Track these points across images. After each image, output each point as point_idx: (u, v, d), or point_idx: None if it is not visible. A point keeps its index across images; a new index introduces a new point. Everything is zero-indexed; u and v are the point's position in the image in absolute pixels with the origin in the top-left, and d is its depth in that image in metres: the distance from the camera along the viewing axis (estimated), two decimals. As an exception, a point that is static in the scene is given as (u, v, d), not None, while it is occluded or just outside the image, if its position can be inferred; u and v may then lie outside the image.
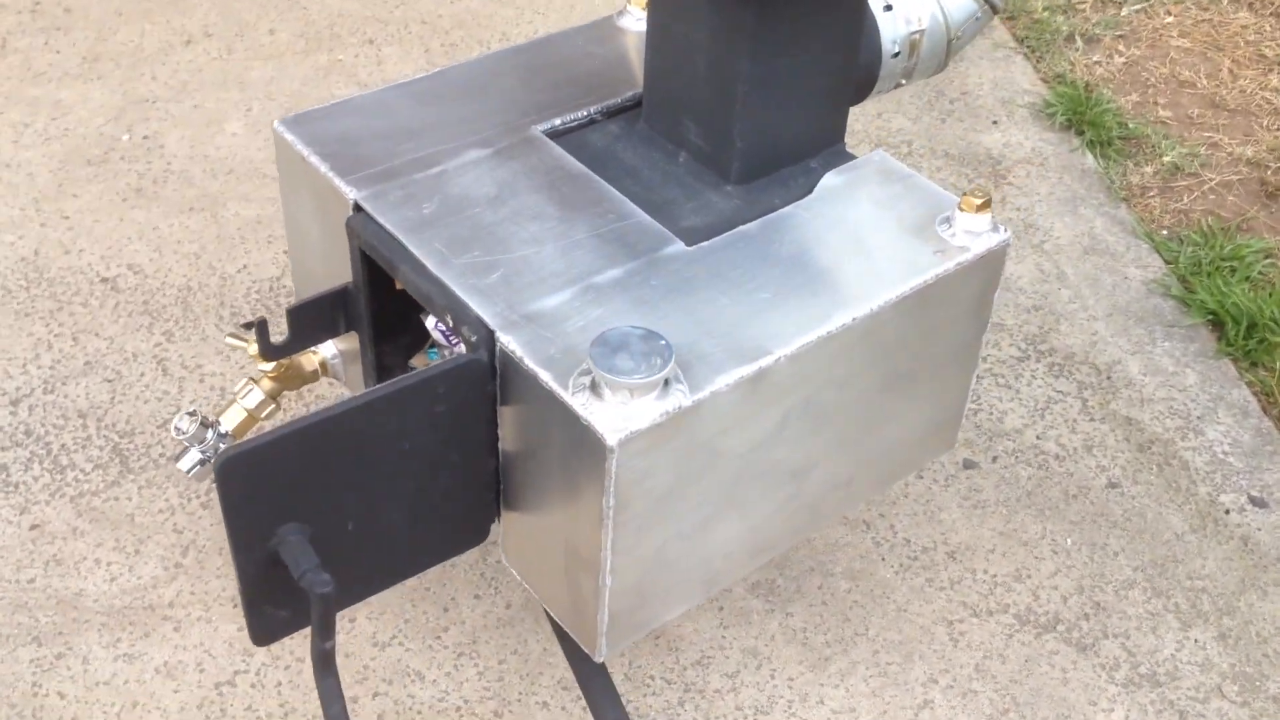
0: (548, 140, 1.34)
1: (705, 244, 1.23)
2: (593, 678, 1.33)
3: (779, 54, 1.24)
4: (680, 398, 1.07)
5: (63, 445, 1.78)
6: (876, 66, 1.37)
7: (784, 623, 1.65)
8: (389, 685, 1.54)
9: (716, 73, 1.25)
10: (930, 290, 1.22)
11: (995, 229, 1.26)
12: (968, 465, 1.87)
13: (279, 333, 1.30)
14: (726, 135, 1.28)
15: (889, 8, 1.37)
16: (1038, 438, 1.92)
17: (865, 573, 1.72)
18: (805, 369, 1.16)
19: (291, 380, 1.43)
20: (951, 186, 2.37)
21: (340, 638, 1.58)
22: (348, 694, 1.51)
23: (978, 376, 2.00)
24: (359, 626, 1.60)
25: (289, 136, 1.33)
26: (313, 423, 1.05)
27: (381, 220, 1.23)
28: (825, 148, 1.36)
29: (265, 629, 1.14)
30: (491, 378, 1.13)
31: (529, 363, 1.09)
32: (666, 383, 1.08)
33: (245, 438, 1.35)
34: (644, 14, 1.54)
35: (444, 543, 1.21)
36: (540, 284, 1.18)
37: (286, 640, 1.58)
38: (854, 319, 1.17)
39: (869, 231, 1.26)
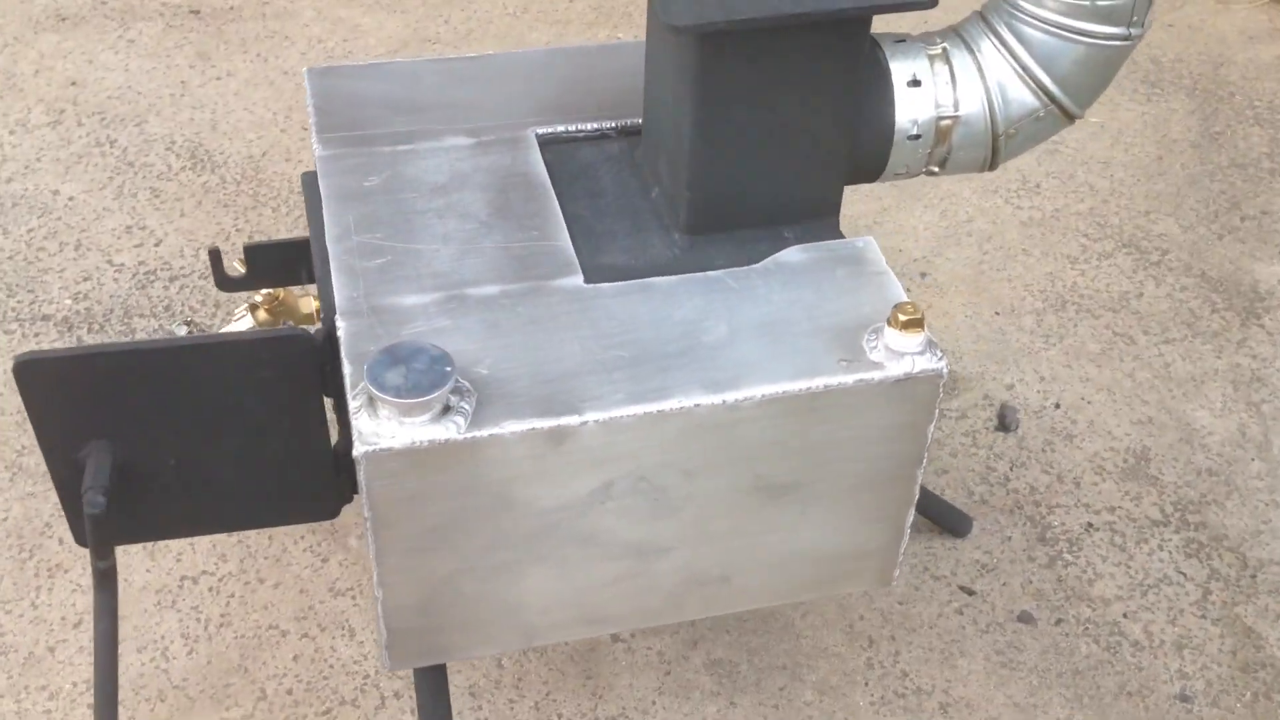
0: (534, 144, 1.29)
1: (604, 285, 1.15)
2: (427, 676, 1.29)
3: (733, 102, 1.12)
4: (450, 430, 1.01)
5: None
6: (887, 146, 1.21)
7: (723, 712, 1.53)
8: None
9: (677, 113, 1.15)
10: (820, 401, 1.08)
11: (928, 354, 1.09)
12: (1023, 619, 1.65)
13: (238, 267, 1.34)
14: (679, 181, 1.18)
15: (916, 83, 1.20)
16: (1124, 615, 1.66)
17: (837, 691, 1.56)
18: (629, 443, 1.06)
19: (284, 317, 1.47)
20: (1187, 311, 2.08)
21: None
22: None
23: (1090, 526, 1.75)
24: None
25: (307, 85, 1.36)
26: (123, 349, 1.08)
27: (321, 182, 1.24)
28: (809, 219, 1.22)
29: (83, 531, 1.19)
30: (327, 357, 1.12)
31: (343, 354, 1.07)
32: (448, 410, 1.02)
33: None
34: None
35: (282, 508, 1.21)
36: (412, 280, 1.14)
37: (260, 556, 1.65)
38: (697, 405, 1.05)
39: (787, 320, 1.12)
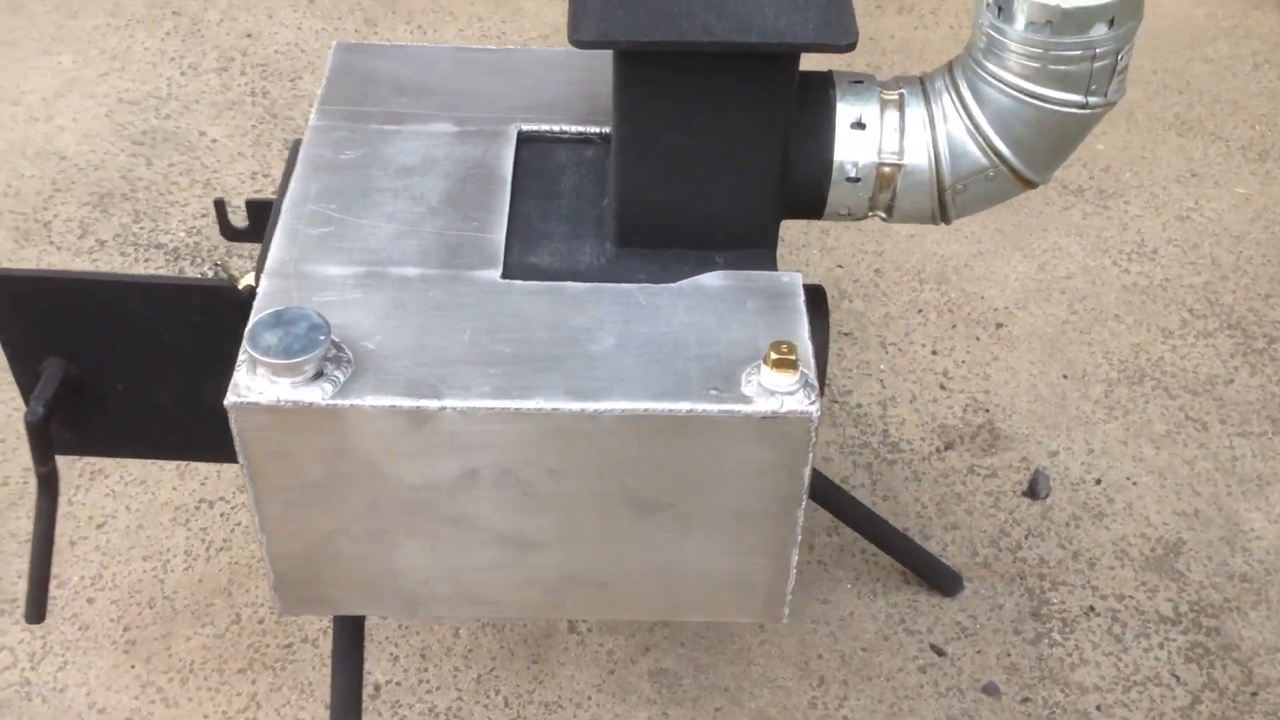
0: (512, 139, 1.34)
1: (518, 282, 1.19)
2: (344, 625, 1.36)
3: (656, 121, 1.14)
4: (315, 395, 1.07)
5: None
6: (824, 184, 1.20)
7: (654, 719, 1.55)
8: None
9: (612, 126, 1.18)
10: (685, 426, 1.09)
11: (800, 395, 1.09)
12: (988, 690, 1.60)
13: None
14: (609, 193, 1.21)
15: (860, 125, 1.18)
16: (1098, 708, 1.59)
17: (770, 723, 1.55)
18: (490, 435, 1.10)
19: (301, 274, 1.57)
20: (1277, 406, 1.95)
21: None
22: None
23: (1090, 610, 1.68)
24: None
25: (330, 58, 1.45)
26: (77, 278, 1.19)
27: (302, 150, 1.32)
28: (742, 247, 1.23)
29: (56, 440, 1.31)
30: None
31: (252, 310, 1.15)
32: (320, 376, 1.08)
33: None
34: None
35: (217, 446, 1.29)
36: (343, 253, 1.21)
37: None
38: (555, 409, 1.08)
39: (677, 342, 1.14)
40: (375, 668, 1.58)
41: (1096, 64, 1.12)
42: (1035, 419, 1.93)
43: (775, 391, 1.09)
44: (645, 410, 1.09)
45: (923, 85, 1.21)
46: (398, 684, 1.57)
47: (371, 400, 1.08)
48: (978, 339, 2.06)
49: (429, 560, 1.20)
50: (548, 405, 1.08)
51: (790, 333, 1.15)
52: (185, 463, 1.78)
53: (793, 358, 1.08)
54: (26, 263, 2.12)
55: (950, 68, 1.20)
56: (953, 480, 1.84)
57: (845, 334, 2.05)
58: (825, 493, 1.61)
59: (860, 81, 1.21)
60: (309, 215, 1.25)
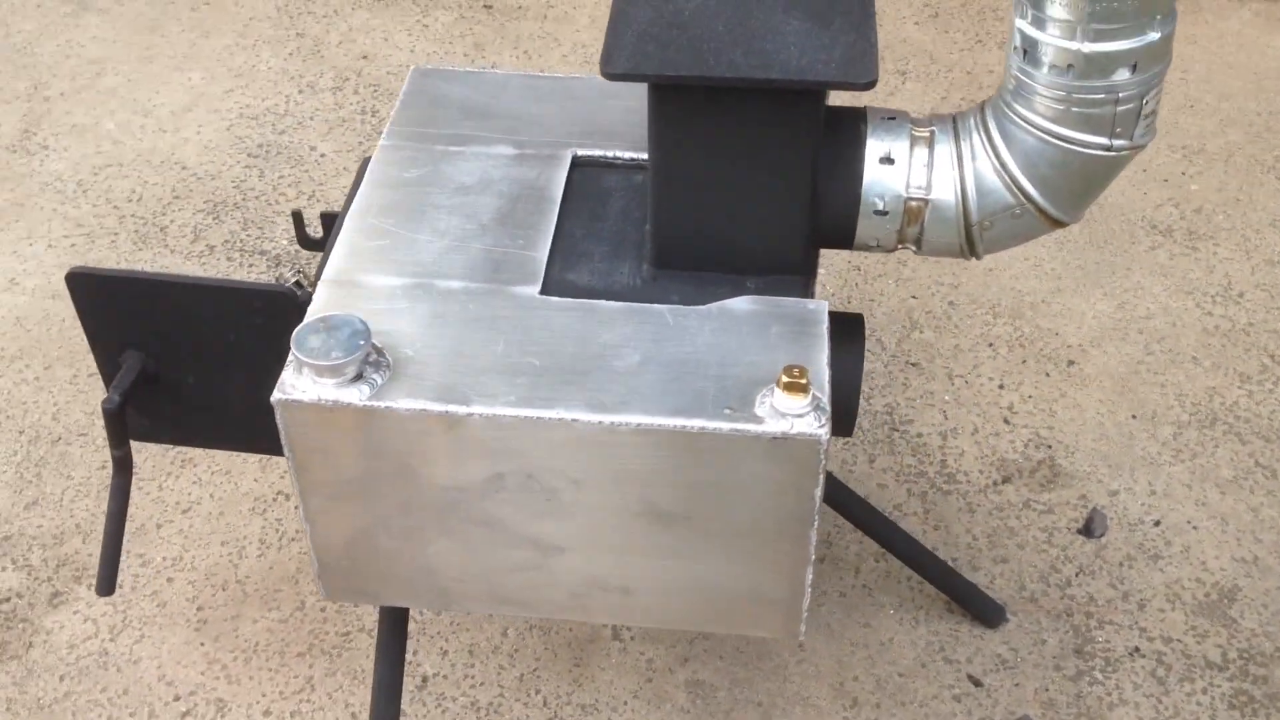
0: (566, 163, 1.41)
1: (554, 298, 1.25)
2: (387, 616, 1.44)
3: (688, 149, 1.20)
4: (353, 396, 1.15)
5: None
6: (853, 216, 1.24)
7: (685, 729, 1.60)
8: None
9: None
10: (699, 443, 1.14)
11: (810, 418, 1.13)
12: (1020, 723, 1.61)
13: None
14: (648, 216, 1.27)
15: (889, 160, 1.22)
16: (1134, 748, 1.58)
17: (799, 740, 1.58)
18: (515, 442, 1.16)
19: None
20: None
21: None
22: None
23: (1135, 651, 1.67)
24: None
25: (406, 82, 1.54)
26: (151, 278, 1.29)
27: (370, 167, 1.41)
28: (774, 273, 1.27)
29: (134, 427, 1.42)
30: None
31: (306, 315, 1.24)
32: (359, 378, 1.16)
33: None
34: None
35: (279, 440, 1.39)
36: (397, 264, 1.29)
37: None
38: (575, 419, 1.14)
39: (699, 361, 1.19)
40: (425, 660, 1.66)
41: (1120, 108, 1.14)
42: (1098, 457, 1.93)
43: (786, 414, 1.13)
44: (660, 425, 1.14)
45: (954, 123, 1.24)
46: (444, 677, 1.64)
47: (405, 403, 1.16)
48: (1047, 375, 2.06)
49: (460, 558, 1.27)
50: (568, 416, 1.15)
51: (809, 358, 1.19)
52: (266, 456, 1.88)
53: (804, 381, 1.12)
54: (144, 263, 2.26)
55: (982, 107, 1.23)
56: (1007, 514, 1.85)
57: (913, 364, 2.08)
58: (866, 518, 1.64)
59: (893, 118, 1.25)
60: (368, 228, 1.34)
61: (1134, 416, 2.00)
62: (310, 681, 1.64)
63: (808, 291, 1.28)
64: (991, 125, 1.21)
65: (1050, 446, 1.95)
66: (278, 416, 1.18)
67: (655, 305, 1.25)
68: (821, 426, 1.13)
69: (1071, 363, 2.09)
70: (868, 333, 2.10)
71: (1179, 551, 1.80)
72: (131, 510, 1.84)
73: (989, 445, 1.95)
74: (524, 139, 1.45)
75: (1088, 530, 1.83)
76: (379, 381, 1.17)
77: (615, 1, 1.22)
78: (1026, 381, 2.05)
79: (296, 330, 1.17)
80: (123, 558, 1.75)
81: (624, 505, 1.21)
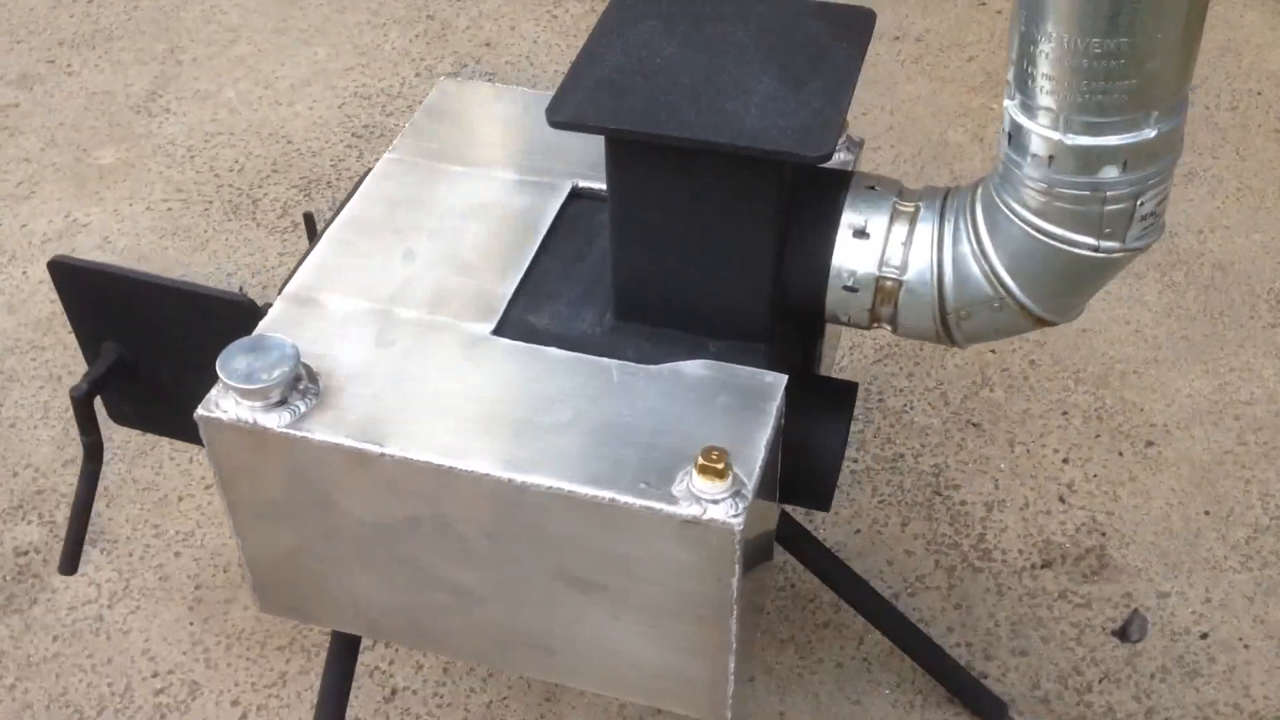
0: (564, 193, 1.36)
1: (504, 340, 1.21)
2: (339, 639, 1.43)
3: (645, 204, 1.13)
4: (271, 421, 1.13)
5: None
6: (821, 289, 1.15)
7: (642, 785, 1.54)
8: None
9: (615, 201, 1.18)
10: (611, 515, 1.08)
11: (726, 504, 1.05)
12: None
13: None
14: (609, 265, 1.21)
15: (863, 234, 1.13)
16: None
17: (757, 816, 1.51)
18: (426, 488, 1.12)
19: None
20: None
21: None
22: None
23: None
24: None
25: (432, 91, 1.51)
26: (123, 274, 1.30)
27: (366, 180, 1.39)
28: (737, 338, 1.19)
29: (117, 413, 1.44)
30: (260, 327, 1.27)
31: (256, 330, 1.22)
32: (283, 403, 1.14)
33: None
34: (826, 144, 1.41)
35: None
36: (361, 287, 1.26)
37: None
38: (485, 475, 1.10)
39: (631, 427, 1.12)
40: (398, 672, 1.64)
41: (1109, 208, 1.02)
42: (1155, 553, 1.78)
43: (700, 497, 1.06)
44: (570, 492, 1.08)
45: (944, 200, 1.14)
46: (414, 692, 1.63)
47: (321, 435, 1.13)
48: (1120, 454, 1.91)
49: (383, 592, 1.24)
50: (479, 470, 1.10)
51: (747, 436, 1.11)
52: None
53: (720, 466, 1.05)
54: (229, 234, 2.31)
55: (975, 187, 1.13)
56: (1038, 602, 1.72)
57: (974, 424, 1.95)
58: (852, 593, 1.54)
59: (874, 188, 1.16)
60: (344, 244, 1.31)
61: (1206, 512, 1.83)
62: (284, 676, 1.64)
63: (772, 361, 1.20)
64: (979, 208, 1.10)
65: (1104, 534, 1.80)
66: (201, 433, 1.17)
67: (604, 360, 1.19)
68: (736, 515, 1.06)
69: (1150, 443, 1.93)
70: (932, 384, 1.99)
71: (1222, 671, 1.64)
72: (158, 480, 1.89)
73: (1036, 524, 1.81)
74: (529, 164, 1.40)
75: (1124, 633, 1.68)
76: (301, 409, 1.15)
77: (589, 39, 1.15)
78: (1095, 458, 1.90)
79: (225, 349, 1.15)
80: (139, 525, 1.79)
81: (539, 566, 1.16)
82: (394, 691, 1.63)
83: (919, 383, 2.02)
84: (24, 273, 2.25)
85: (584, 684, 1.27)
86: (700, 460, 1.06)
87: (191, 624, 1.70)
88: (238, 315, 1.27)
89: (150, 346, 1.35)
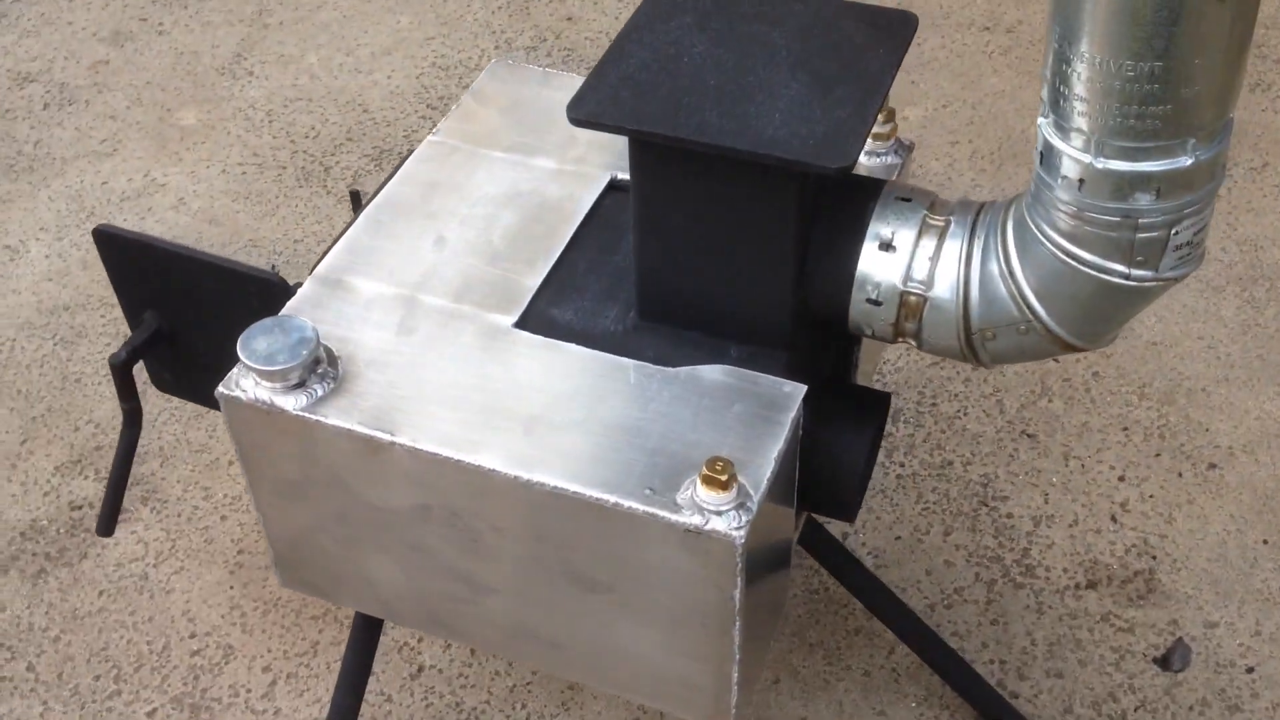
0: (599, 183, 1.34)
1: (524, 334, 1.20)
2: (361, 621, 1.44)
3: (668, 204, 1.11)
4: (288, 403, 1.14)
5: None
6: (844, 301, 1.12)
7: (656, 780, 1.54)
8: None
9: (639, 200, 1.17)
10: (616, 518, 1.07)
11: (729, 518, 1.04)
12: None
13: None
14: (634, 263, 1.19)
15: (889, 247, 1.09)
16: None
17: (769, 821, 1.50)
18: (437, 479, 1.12)
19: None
20: None
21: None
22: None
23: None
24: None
25: (482, 75, 1.50)
26: (163, 247, 1.32)
27: (407, 162, 1.39)
28: (760, 345, 1.17)
29: (158, 380, 1.46)
30: (291, 304, 1.28)
31: (283, 309, 1.23)
32: (301, 385, 1.15)
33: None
34: (873, 149, 1.38)
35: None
36: (390, 271, 1.27)
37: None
38: (493, 470, 1.09)
39: (642, 431, 1.11)
40: (426, 651, 1.66)
41: (1140, 235, 0.98)
42: (1207, 581, 1.72)
43: (704, 507, 1.05)
44: (575, 493, 1.08)
45: (976, 215, 1.11)
46: (439, 671, 1.64)
47: (335, 420, 1.14)
48: (1180, 475, 1.85)
49: (396, 576, 1.25)
50: (486, 465, 1.10)
51: (758, 447, 1.10)
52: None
53: (723, 477, 1.03)
54: (299, 201, 2.34)
55: (1010, 204, 1.09)
56: (1079, 623, 1.67)
57: (1029, 435, 1.90)
58: (884, 608, 1.51)
59: (908, 200, 1.12)
60: (378, 227, 1.32)
61: (1265, 541, 1.77)
62: (315, 646, 1.67)
63: (793, 370, 1.17)
64: (1010, 228, 1.07)
65: (1155, 557, 1.75)
66: (222, 410, 1.18)
67: (623, 359, 1.18)
68: (738, 528, 1.04)
69: (1213, 466, 1.86)
70: (988, 391, 1.94)
71: (1265, 708, 1.59)
72: (211, 443, 1.92)
73: (1084, 542, 1.77)
74: (571, 153, 1.39)
75: (1165, 661, 1.63)
76: (319, 392, 1.15)
77: (620, 34, 1.14)
78: (1153, 478, 1.85)
79: (247, 329, 1.16)
80: (190, 487, 1.82)
81: (545, 562, 1.15)
82: (420, 669, 1.65)
83: (975, 389, 1.97)
84: (101, 230, 2.30)
85: (591, 682, 1.26)
86: (705, 470, 1.04)
87: (231, 588, 1.73)
88: (268, 293, 1.28)
89: (187, 318, 1.37)
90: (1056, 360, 2.02)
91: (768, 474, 1.08)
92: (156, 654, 1.67)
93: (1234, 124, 0.97)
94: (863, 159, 1.39)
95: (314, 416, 1.14)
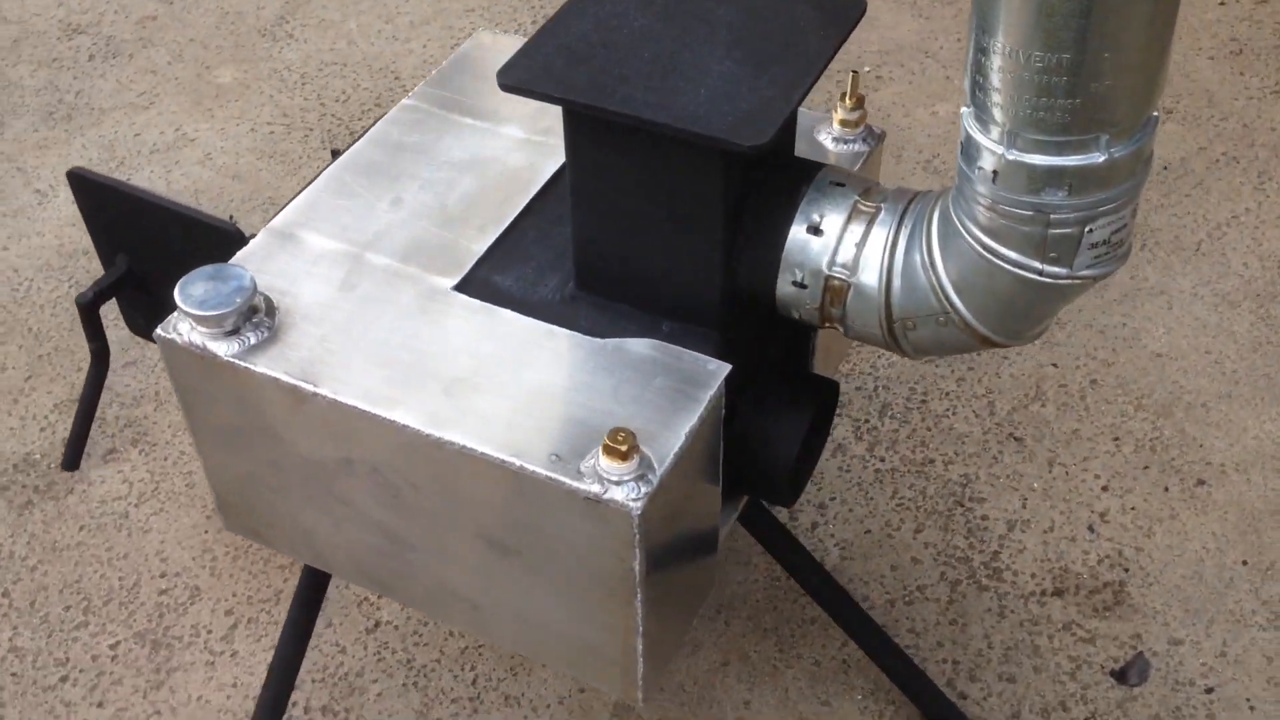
0: (561, 155, 1.35)
1: (462, 297, 1.21)
2: (308, 579, 1.47)
3: (600, 175, 1.12)
4: (220, 347, 1.17)
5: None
6: (772, 282, 1.12)
7: (594, 752, 1.55)
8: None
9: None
10: (520, 482, 1.08)
11: (627, 489, 1.04)
12: None
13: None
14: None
15: (817, 230, 1.09)
16: None
17: (700, 801, 1.50)
18: (357, 433, 1.14)
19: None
20: None
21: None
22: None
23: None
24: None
25: (466, 43, 1.51)
26: (129, 190, 1.36)
27: (377, 124, 1.41)
28: (691, 322, 1.17)
29: (131, 323, 1.50)
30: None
31: (234, 258, 1.26)
32: (236, 333, 1.17)
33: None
34: (841, 135, 1.37)
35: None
36: (342, 228, 1.28)
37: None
38: (406, 426, 1.11)
39: (560, 399, 1.12)
40: (385, 607, 1.68)
41: (1053, 231, 0.97)
42: (1178, 598, 1.69)
43: (604, 477, 1.05)
44: (484, 454, 1.09)
45: (908, 203, 1.10)
46: (395, 628, 1.66)
47: (261, 368, 1.16)
48: (1166, 489, 1.81)
49: (327, 528, 1.27)
50: (401, 421, 1.11)
51: (670, 422, 1.10)
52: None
53: (623, 448, 1.04)
54: (320, 162, 2.37)
55: (940, 195, 1.08)
56: (1040, 630, 1.65)
57: (1015, 438, 1.88)
58: (831, 600, 1.50)
59: (842, 185, 1.12)
60: (339, 185, 1.34)
61: (1245, 562, 1.73)
62: (279, 595, 1.70)
63: (723, 349, 1.17)
64: (936, 218, 1.06)
65: (1128, 570, 1.72)
66: (161, 351, 1.21)
67: (555, 328, 1.19)
68: (636, 499, 1.04)
69: (1202, 482, 1.82)
70: (980, 392, 1.92)
71: (1221, 730, 1.56)
72: (206, 391, 1.96)
73: (1057, 549, 1.74)
74: (540, 124, 1.40)
75: (1122, 675, 1.61)
76: (251, 340, 1.18)
77: (564, 5, 1.14)
78: (1137, 490, 1.81)
79: (187, 275, 1.19)
80: (179, 431, 1.87)
81: (460, 522, 1.17)
82: (377, 624, 1.67)
83: (968, 388, 1.95)
84: (129, 178, 2.36)
85: (509, 645, 1.28)
86: (606, 440, 1.05)
87: (206, 532, 1.77)
88: (223, 242, 1.31)
89: (154, 263, 1.40)
90: (1055, 365, 1.99)
91: (675, 449, 1.08)
92: (126, 590, 1.71)
93: (1157, 122, 0.95)
94: (831, 146, 1.38)
95: (243, 363, 1.16)
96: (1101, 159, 0.93)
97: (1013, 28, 0.89)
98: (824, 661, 1.63)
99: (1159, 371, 1.98)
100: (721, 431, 1.17)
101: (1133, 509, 1.79)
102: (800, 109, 1.41)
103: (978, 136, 0.96)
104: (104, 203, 1.39)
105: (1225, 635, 1.65)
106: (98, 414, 1.93)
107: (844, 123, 1.37)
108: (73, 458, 1.54)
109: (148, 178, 2.36)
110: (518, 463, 1.08)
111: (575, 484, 1.06)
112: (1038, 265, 0.99)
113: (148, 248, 1.39)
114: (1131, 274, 2.12)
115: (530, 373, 1.15)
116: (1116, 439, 1.88)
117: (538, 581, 1.17)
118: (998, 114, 0.94)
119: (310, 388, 1.14)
